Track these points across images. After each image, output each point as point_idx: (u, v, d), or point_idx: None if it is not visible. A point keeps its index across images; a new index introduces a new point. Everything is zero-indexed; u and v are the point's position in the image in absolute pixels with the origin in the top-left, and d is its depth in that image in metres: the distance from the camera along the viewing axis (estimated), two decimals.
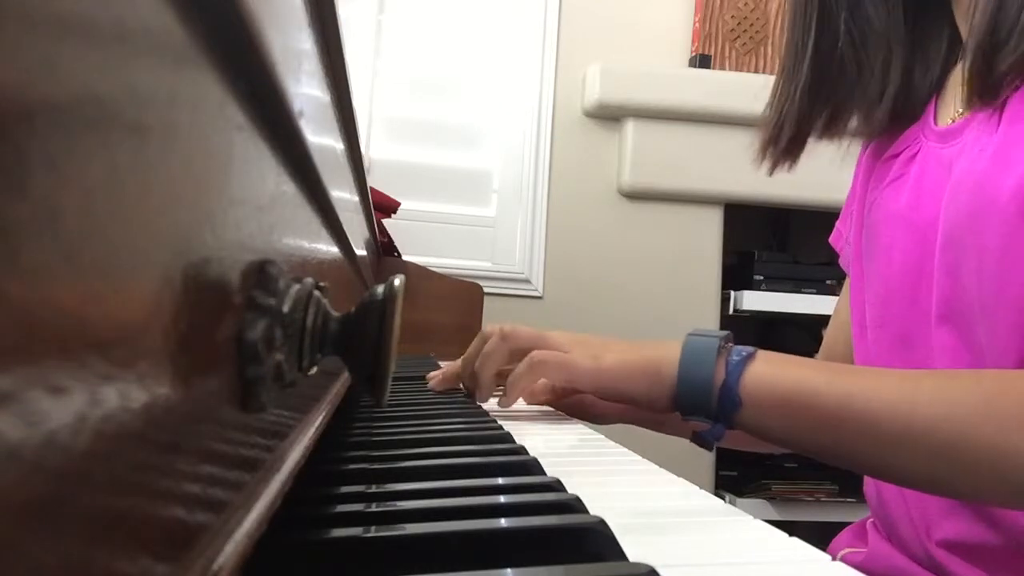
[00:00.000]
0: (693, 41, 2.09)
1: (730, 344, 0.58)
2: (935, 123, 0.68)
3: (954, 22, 0.69)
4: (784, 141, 0.72)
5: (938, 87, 0.71)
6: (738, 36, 2.08)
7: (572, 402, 0.75)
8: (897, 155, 0.70)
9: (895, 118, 0.71)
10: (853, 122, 0.72)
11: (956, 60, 0.70)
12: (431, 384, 0.79)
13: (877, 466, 0.53)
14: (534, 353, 0.66)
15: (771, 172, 0.75)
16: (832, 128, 0.72)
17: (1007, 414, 0.46)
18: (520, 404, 0.72)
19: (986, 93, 0.57)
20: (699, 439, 0.58)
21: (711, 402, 0.55)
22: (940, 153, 0.65)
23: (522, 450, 0.47)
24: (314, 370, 0.29)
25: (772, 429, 0.54)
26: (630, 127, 1.97)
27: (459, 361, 0.79)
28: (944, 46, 0.70)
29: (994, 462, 0.46)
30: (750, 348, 0.57)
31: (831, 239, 0.86)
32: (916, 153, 0.68)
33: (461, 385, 0.78)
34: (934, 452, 0.48)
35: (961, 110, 0.65)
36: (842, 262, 0.84)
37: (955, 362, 0.60)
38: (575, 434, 0.64)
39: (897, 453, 0.49)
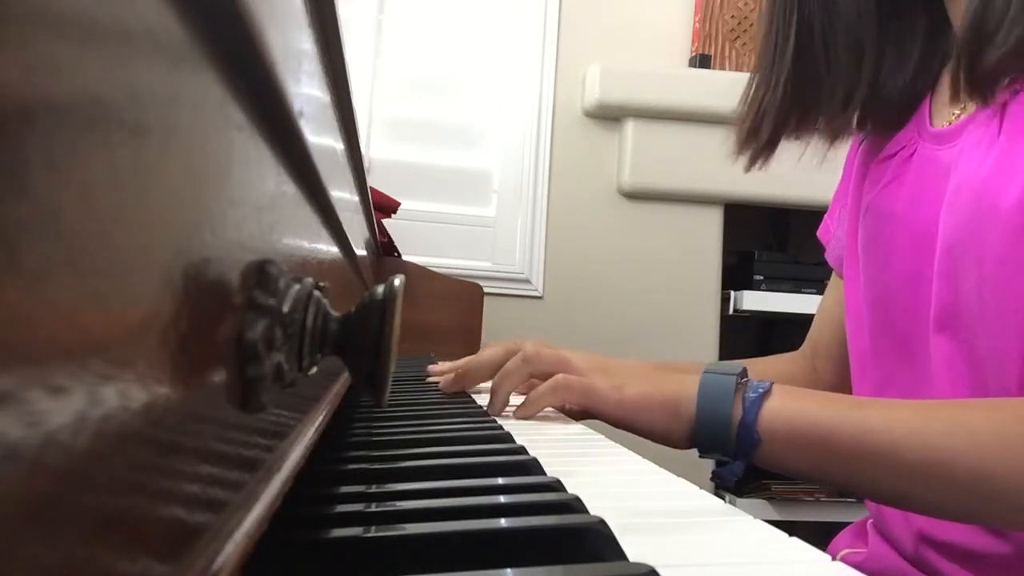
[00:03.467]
0: (693, 41, 2.09)
1: (746, 380, 0.57)
2: (931, 124, 0.67)
3: (935, 21, 0.68)
4: (765, 135, 0.71)
5: (932, 87, 0.70)
6: (738, 36, 2.08)
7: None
8: (892, 156, 0.69)
9: (864, 122, 0.70)
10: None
11: (947, 60, 0.69)
12: (441, 386, 0.79)
13: (897, 498, 0.52)
14: (559, 376, 0.66)
15: (748, 168, 0.74)
16: (802, 127, 0.71)
17: (1020, 443, 0.46)
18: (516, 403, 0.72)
19: (975, 89, 0.56)
20: (719, 478, 0.58)
21: (729, 440, 0.55)
22: (937, 155, 0.64)
23: (522, 450, 0.47)
24: (314, 370, 0.29)
25: (791, 464, 0.54)
26: (630, 127, 1.97)
27: (465, 363, 0.79)
28: (919, 46, 0.69)
29: (1009, 491, 0.46)
30: (765, 383, 0.56)
31: (819, 233, 0.86)
32: (912, 154, 0.67)
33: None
34: (951, 482, 0.47)
35: (957, 112, 0.64)
36: (829, 257, 0.84)
37: (952, 370, 0.59)
38: (575, 434, 0.64)
39: (914, 484, 0.49)
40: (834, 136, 0.73)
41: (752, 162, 0.74)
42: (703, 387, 0.57)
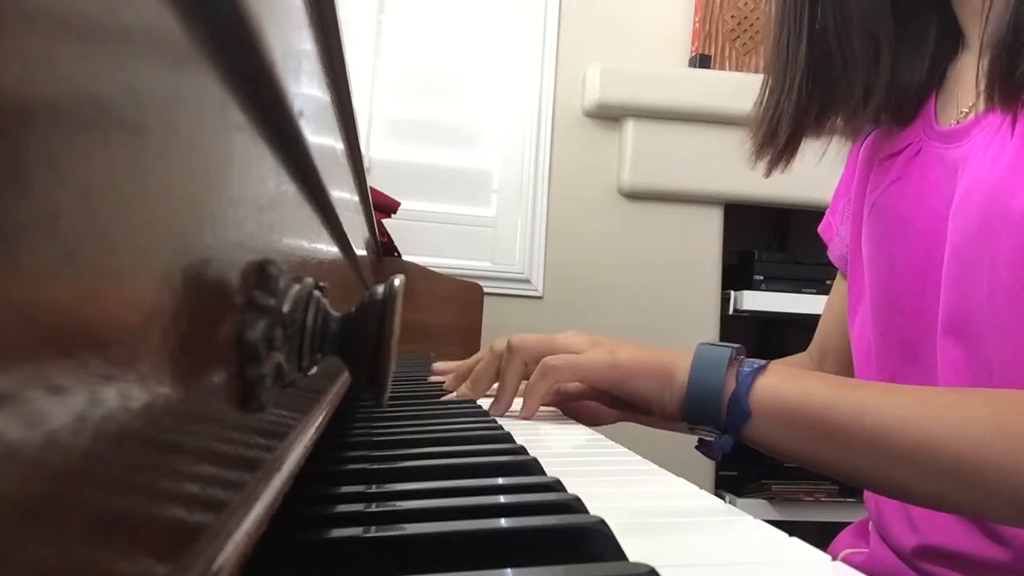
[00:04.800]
0: (693, 41, 2.09)
1: (742, 356, 0.57)
2: (936, 122, 0.66)
3: (944, 16, 0.67)
4: (783, 137, 0.69)
5: (938, 85, 0.69)
6: (738, 36, 2.08)
7: (573, 406, 0.75)
8: (897, 153, 0.68)
9: (882, 115, 0.69)
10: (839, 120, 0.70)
11: (953, 57, 0.69)
12: (457, 395, 0.77)
13: (885, 482, 0.52)
14: (545, 359, 0.66)
15: (768, 173, 0.73)
16: (820, 125, 0.70)
17: (1017, 434, 0.45)
18: (519, 404, 0.72)
19: (1006, 93, 0.55)
20: (705, 449, 0.57)
21: (720, 412, 0.54)
22: (944, 154, 0.63)
23: (522, 450, 0.47)
24: (314, 370, 0.29)
25: (780, 442, 0.54)
26: (630, 127, 1.97)
27: (466, 365, 0.78)
28: (932, 40, 0.68)
29: (1003, 481, 0.45)
30: (762, 361, 0.56)
31: (820, 229, 0.85)
32: (917, 152, 0.66)
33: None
34: (944, 470, 0.47)
35: (965, 110, 0.63)
36: (832, 255, 0.83)
37: (958, 373, 0.58)
38: (575, 434, 0.64)
39: (906, 470, 0.48)
40: (855, 132, 0.72)
41: (772, 167, 0.72)
42: (697, 356, 0.57)
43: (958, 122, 0.64)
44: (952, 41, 0.68)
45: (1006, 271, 0.53)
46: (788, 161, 0.72)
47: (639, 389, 0.60)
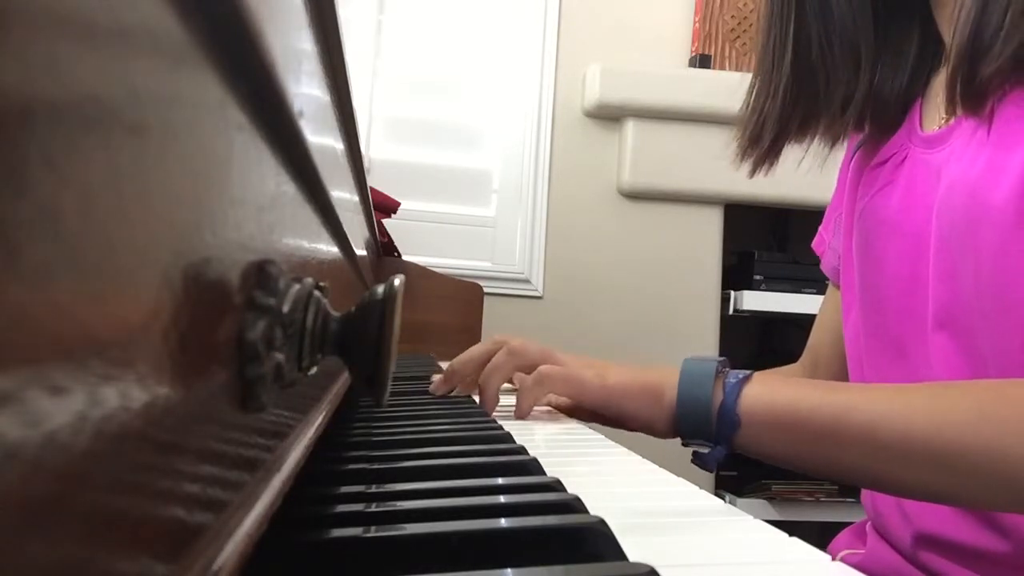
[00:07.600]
0: (693, 41, 2.09)
1: (727, 368, 0.58)
2: (921, 128, 0.68)
3: (927, 25, 0.69)
4: (767, 141, 0.71)
5: (922, 92, 0.70)
6: (738, 36, 2.08)
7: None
8: (884, 162, 0.70)
9: (863, 123, 0.70)
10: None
11: (939, 65, 0.70)
12: (431, 388, 0.80)
13: (876, 479, 0.53)
14: (542, 367, 0.68)
15: (751, 174, 0.75)
16: (803, 131, 0.71)
17: (1002, 419, 0.46)
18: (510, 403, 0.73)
19: (969, 99, 0.56)
20: (700, 461, 0.59)
21: (710, 425, 0.56)
22: (927, 158, 0.65)
23: (522, 450, 0.47)
24: (314, 370, 0.29)
25: (771, 448, 0.55)
26: (630, 127, 1.97)
27: (457, 362, 0.79)
28: (914, 50, 0.70)
29: (992, 467, 0.46)
30: (747, 371, 0.57)
31: (814, 244, 0.87)
32: (904, 159, 0.68)
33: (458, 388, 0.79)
34: (932, 461, 0.48)
35: (946, 116, 0.65)
36: (825, 268, 0.84)
37: (952, 368, 0.59)
38: (575, 434, 0.64)
39: (896, 465, 0.49)
40: (834, 139, 0.73)
41: (755, 168, 0.74)
42: (684, 373, 0.58)
43: (940, 127, 0.65)
44: (934, 50, 0.70)
45: (991, 262, 0.54)
46: (772, 163, 0.74)
47: (629, 409, 0.62)
